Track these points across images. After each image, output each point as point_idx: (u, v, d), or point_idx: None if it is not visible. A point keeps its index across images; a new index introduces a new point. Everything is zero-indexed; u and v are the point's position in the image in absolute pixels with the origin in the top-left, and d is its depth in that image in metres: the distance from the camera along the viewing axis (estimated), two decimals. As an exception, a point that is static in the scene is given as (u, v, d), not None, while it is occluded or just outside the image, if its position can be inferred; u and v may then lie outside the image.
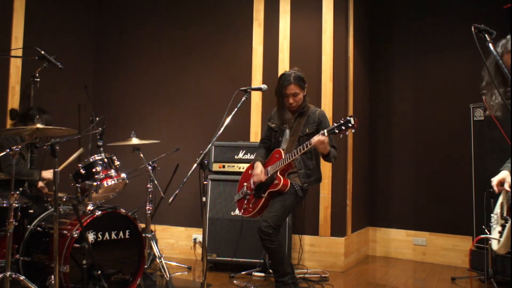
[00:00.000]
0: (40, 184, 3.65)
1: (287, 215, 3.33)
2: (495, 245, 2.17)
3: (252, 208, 3.22)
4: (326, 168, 4.20)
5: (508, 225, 2.08)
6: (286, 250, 3.92)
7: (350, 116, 2.78)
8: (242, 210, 3.33)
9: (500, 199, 2.25)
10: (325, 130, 2.88)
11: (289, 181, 3.13)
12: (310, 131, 3.14)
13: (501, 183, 2.12)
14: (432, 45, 4.89)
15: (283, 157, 3.10)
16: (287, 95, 3.16)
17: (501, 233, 2.13)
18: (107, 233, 3.08)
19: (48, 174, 3.54)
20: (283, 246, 3.12)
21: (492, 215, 2.29)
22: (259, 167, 3.21)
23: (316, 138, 2.90)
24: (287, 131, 3.26)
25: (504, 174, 2.16)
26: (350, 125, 2.76)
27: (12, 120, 3.69)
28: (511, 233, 2.08)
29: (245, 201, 3.29)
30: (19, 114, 3.62)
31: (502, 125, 3.28)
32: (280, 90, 3.19)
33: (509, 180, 2.11)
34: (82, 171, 3.23)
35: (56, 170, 2.72)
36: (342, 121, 2.80)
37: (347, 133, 2.81)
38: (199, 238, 4.62)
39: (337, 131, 2.80)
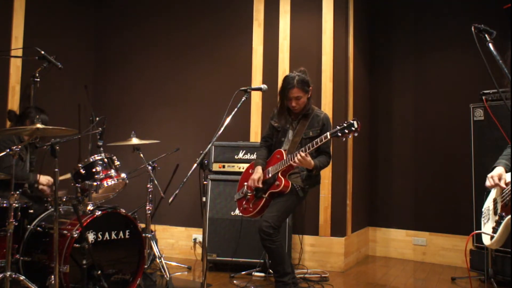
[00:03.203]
0: (42, 187, 3.60)
1: (288, 215, 3.34)
2: (487, 241, 2.18)
3: (252, 208, 3.22)
4: (326, 168, 4.19)
5: (504, 222, 2.10)
6: (286, 250, 3.92)
7: (353, 120, 2.77)
8: (242, 210, 3.33)
9: (493, 195, 2.25)
10: (328, 133, 2.88)
11: (290, 182, 3.12)
12: (313, 134, 3.13)
13: (499, 179, 2.13)
14: (432, 45, 4.89)
15: (285, 158, 3.10)
16: (289, 98, 3.15)
17: (494, 229, 2.14)
18: (107, 233, 3.08)
19: (44, 180, 3.45)
20: (283, 246, 3.13)
21: (483, 210, 2.29)
22: (258, 172, 3.20)
23: (297, 158, 2.93)
24: (290, 132, 3.25)
25: (500, 170, 2.16)
26: (353, 128, 2.75)
27: (10, 121, 3.68)
28: (507, 229, 2.10)
29: (245, 201, 3.30)
30: (17, 115, 3.61)
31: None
32: (283, 92, 3.18)
33: (505, 177, 2.12)
34: (82, 171, 3.23)
35: (56, 170, 2.71)
36: (345, 124, 2.79)
37: (350, 137, 2.80)
38: (199, 238, 4.62)
39: (340, 134, 2.79)
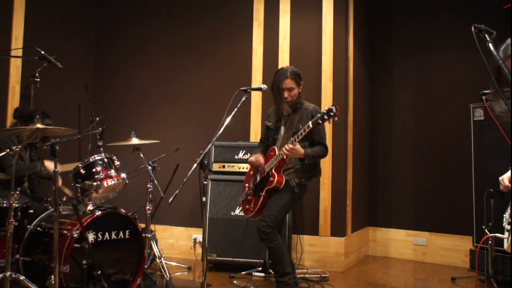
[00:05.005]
0: (60, 182, 3.53)
1: (286, 213, 3.28)
2: (505, 245, 2.20)
3: (253, 208, 3.23)
4: (326, 168, 4.21)
5: None
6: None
7: (332, 105, 2.82)
8: (245, 211, 3.35)
9: None
10: (309, 122, 2.91)
11: (284, 178, 3.12)
12: (303, 127, 3.13)
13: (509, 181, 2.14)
14: (432, 45, 4.89)
15: (277, 153, 3.12)
16: (282, 89, 3.18)
17: (509, 232, 2.15)
18: (107, 233, 3.08)
19: (51, 164, 3.44)
20: (283, 246, 3.11)
21: (504, 215, 2.30)
22: (255, 155, 3.28)
23: (285, 149, 2.97)
24: (282, 128, 3.28)
25: (510, 173, 2.17)
26: (332, 113, 2.81)
27: (14, 119, 3.68)
28: None
29: (247, 202, 3.32)
30: (23, 114, 3.61)
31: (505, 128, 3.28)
32: (276, 84, 3.21)
33: None
34: (82, 171, 3.23)
35: (56, 170, 2.72)
36: (325, 111, 2.85)
37: (330, 122, 2.85)
38: (199, 238, 4.62)
39: (320, 121, 2.85)
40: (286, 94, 3.18)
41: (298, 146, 2.98)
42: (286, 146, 2.98)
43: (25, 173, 3.44)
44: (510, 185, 2.16)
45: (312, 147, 3.14)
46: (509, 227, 2.18)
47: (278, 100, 3.24)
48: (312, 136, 3.12)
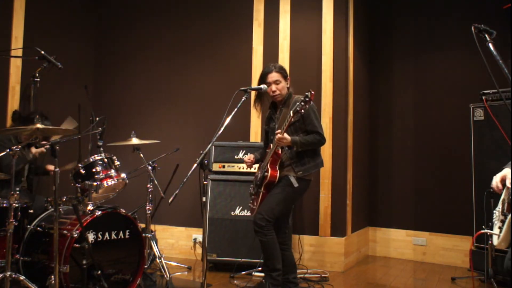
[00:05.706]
0: (49, 167, 3.74)
1: (284, 208, 3.20)
2: (495, 241, 2.22)
3: (255, 206, 3.23)
4: (326, 168, 4.21)
5: (507, 220, 2.13)
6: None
7: (308, 91, 2.86)
8: (251, 211, 3.36)
9: (502, 196, 2.29)
10: (290, 112, 2.94)
11: (277, 172, 3.11)
12: (294, 119, 3.07)
13: (502, 180, 2.16)
14: (432, 45, 4.89)
15: (271, 148, 3.13)
16: (269, 84, 3.20)
17: (501, 228, 2.17)
18: (107, 233, 3.08)
19: (36, 149, 3.52)
20: (276, 243, 3.09)
21: (494, 211, 2.33)
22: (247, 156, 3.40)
23: (276, 138, 3.01)
24: (276, 126, 3.28)
25: (505, 171, 2.18)
26: (307, 99, 2.85)
27: (13, 121, 3.68)
28: (511, 228, 2.13)
29: (252, 202, 3.33)
30: (21, 117, 3.61)
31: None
32: (263, 81, 3.22)
33: (510, 177, 2.14)
34: (82, 171, 3.23)
35: (56, 170, 2.72)
36: (302, 98, 2.89)
37: (307, 107, 2.89)
38: (199, 238, 4.62)
39: (298, 108, 2.88)
40: (274, 88, 3.20)
41: (285, 135, 3.00)
42: (276, 136, 3.01)
43: (19, 167, 3.45)
44: (500, 185, 2.18)
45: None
46: (499, 224, 2.21)
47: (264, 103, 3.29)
48: (306, 126, 3.13)
